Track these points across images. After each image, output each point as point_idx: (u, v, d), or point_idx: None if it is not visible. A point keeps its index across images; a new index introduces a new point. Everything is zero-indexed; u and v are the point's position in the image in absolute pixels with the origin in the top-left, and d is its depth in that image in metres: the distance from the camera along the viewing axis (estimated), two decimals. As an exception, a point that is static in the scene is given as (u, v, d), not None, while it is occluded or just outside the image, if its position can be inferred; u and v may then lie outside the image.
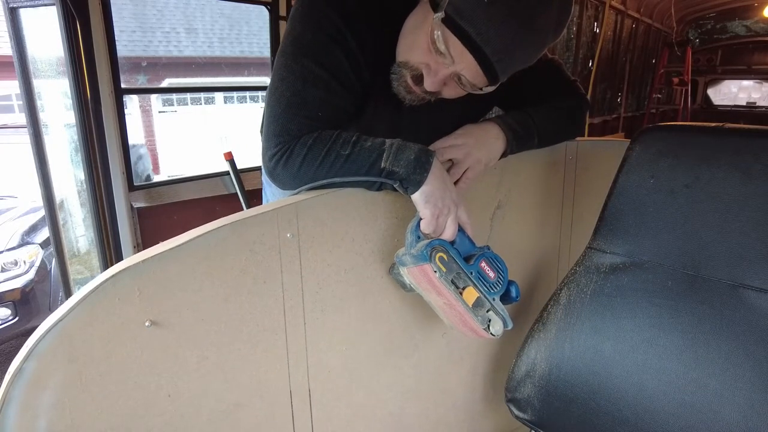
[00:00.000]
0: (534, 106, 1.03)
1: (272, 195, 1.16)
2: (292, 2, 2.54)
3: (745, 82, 8.37)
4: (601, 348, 0.91)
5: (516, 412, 1.02)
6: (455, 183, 0.91)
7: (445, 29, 0.77)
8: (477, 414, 1.20)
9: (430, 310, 0.92)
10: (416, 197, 0.82)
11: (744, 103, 8.42)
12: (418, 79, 0.85)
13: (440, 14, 0.76)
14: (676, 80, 7.45)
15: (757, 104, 8.33)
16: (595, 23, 5.47)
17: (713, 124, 0.86)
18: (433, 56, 0.81)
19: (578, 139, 1.13)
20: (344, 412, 0.96)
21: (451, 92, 0.88)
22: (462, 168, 0.92)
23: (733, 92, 8.57)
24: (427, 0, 0.81)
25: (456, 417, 1.16)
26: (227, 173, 2.44)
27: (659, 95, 8.19)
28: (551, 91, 1.07)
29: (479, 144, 0.93)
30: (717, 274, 0.82)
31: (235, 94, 9.38)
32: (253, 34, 9.50)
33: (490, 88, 0.85)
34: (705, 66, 8.04)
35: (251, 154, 2.54)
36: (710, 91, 8.37)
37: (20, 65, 2.01)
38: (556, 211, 1.17)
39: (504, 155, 0.98)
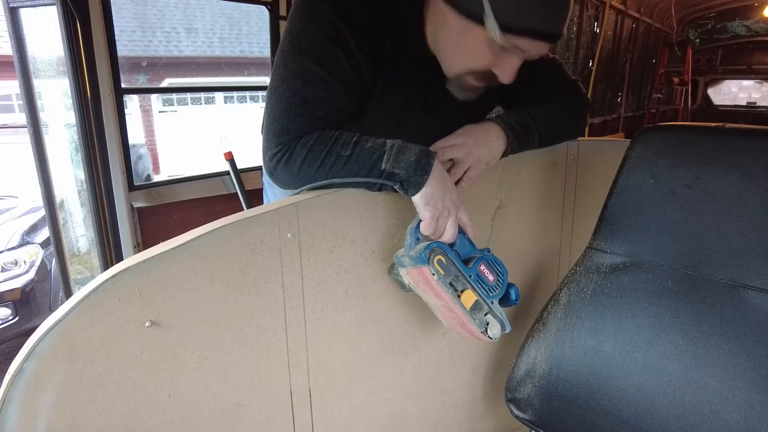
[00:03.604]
0: (535, 106, 1.03)
1: (273, 195, 1.16)
2: (292, 1, 2.54)
3: (745, 82, 8.36)
4: (601, 348, 0.91)
5: (516, 412, 1.02)
6: (456, 182, 0.91)
7: (507, 36, 0.78)
8: (477, 414, 1.20)
9: (430, 311, 0.92)
10: (416, 199, 0.82)
11: (744, 103, 8.42)
12: (483, 76, 0.88)
13: (495, 30, 0.77)
14: (676, 80, 7.44)
15: (757, 104, 8.32)
16: (595, 23, 5.47)
17: (713, 124, 0.86)
18: (499, 56, 0.83)
19: (579, 138, 1.13)
20: (345, 412, 0.96)
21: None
22: (463, 167, 0.92)
23: (733, 92, 8.57)
24: (449, 6, 0.81)
25: (456, 417, 1.16)
26: (227, 173, 2.44)
27: (659, 95, 8.18)
28: (552, 91, 1.07)
29: (480, 143, 0.93)
30: (717, 274, 0.82)
31: (235, 94, 9.36)
32: (253, 33, 9.49)
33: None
34: (705, 66, 8.03)
35: (251, 154, 2.54)
36: (710, 91, 8.36)
37: (20, 65, 2.01)
38: (557, 211, 1.17)
39: (505, 155, 0.98)
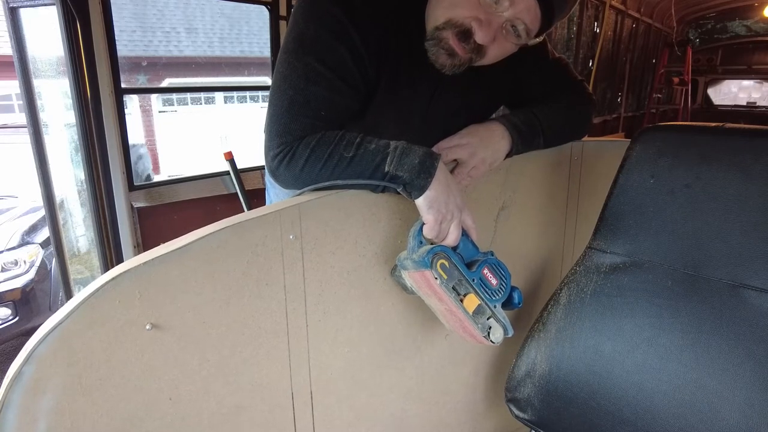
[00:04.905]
0: (540, 106, 1.02)
1: (275, 196, 1.16)
2: (293, 1, 2.53)
3: (746, 82, 8.37)
4: (601, 348, 0.91)
5: (516, 412, 1.02)
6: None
7: None
8: (478, 415, 1.20)
9: (432, 313, 0.91)
10: (420, 202, 0.81)
11: (744, 103, 8.42)
12: (464, 35, 0.83)
13: None
14: (676, 80, 7.44)
15: (757, 104, 8.32)
16: (596, 23, 5.47)
17: (713, 124, 0.86)
18: (483, 7, 0.80)
19: (584, 139, 1.12)
20: (346, 414, 0.96)
21: (497, 50, 0.86)
22: (467, 168, 0.91)
23: (733, 92, 8.57)
24: None
25: (457, 418, 1.16)
26: (227, 173, 2.44)
27: (659, 95, 8.18)
28: (557, 91, 1.06)
29: (484, 143, 0.93)
30: (717, 274, 0.82)
31: (235, 94, 9.36)
32: (253, 33, 9.48)
33: (537, 40, 0.86)
34: (705, 66, 8.03)
35: (251, 153, 2.54)
36: (710, 91, 8.36)
37: (20, 65, 2.01)
38: (561, 212, 1.16)
39: (509, 155, 0.97)
